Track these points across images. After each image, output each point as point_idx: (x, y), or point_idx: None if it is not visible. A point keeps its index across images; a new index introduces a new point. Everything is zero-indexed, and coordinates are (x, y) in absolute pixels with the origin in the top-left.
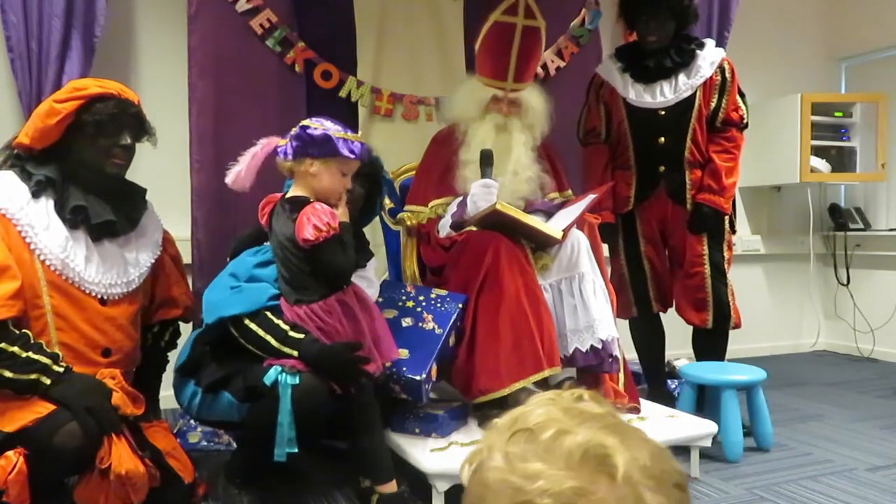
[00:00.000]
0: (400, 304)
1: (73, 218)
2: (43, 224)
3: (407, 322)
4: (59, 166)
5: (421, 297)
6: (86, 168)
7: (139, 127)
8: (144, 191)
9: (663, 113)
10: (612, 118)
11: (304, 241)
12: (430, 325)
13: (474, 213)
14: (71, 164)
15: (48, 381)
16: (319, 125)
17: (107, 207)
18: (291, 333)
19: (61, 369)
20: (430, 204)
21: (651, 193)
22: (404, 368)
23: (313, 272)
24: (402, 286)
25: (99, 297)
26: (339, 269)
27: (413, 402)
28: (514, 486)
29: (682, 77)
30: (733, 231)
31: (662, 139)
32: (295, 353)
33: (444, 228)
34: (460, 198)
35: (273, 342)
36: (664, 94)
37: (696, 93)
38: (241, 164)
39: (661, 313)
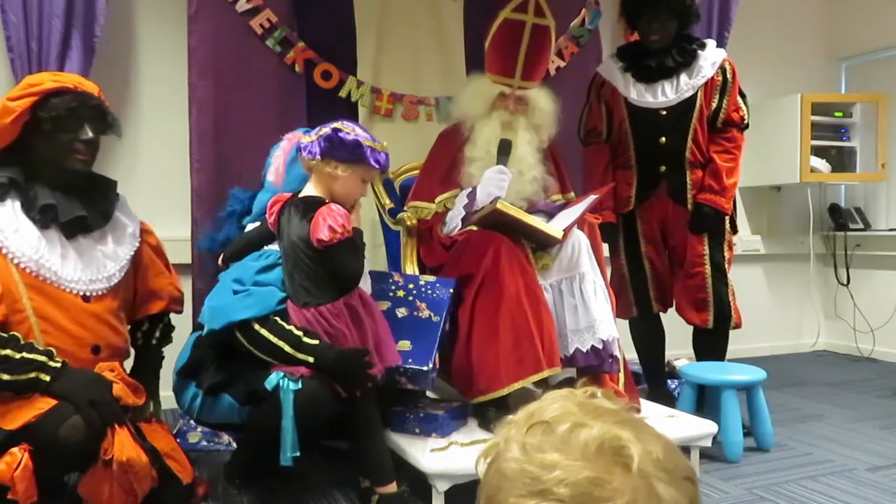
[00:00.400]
0: (391, 293)
1: (42, 217)
2: (12, 227)
3: (402, 312)
4: (20, 166)
5: (410, 286)
6: (48, 166)
7: (101, 120)
8: (115, 183)
9: (664, 113)
10: (614, 118)
11: (318, 241)
12: (426, 313)
13: (484, 199)
14: (34, 163)
15: (48, 378)
16: (352, 130)
17: (77, 203)
18: (305, 339)
19: (58, 364)
20: (437, 199)
21: (652, 193)
22: (409, 360)
23: (324, 274)
24: (389, 275)
25: (81, 294)
26: (350, 272)
27: (418, 392)
28: (532, 475)
29: (683, 77)
30: (735, 231)
31: (663, 139)
32: (310, 360)
33: (453, 220)
34: (469, 189)
35: (287, 348)
36: (665, 94)
37: (697, 93)
38: (277, 161)
39: (661, 313)
